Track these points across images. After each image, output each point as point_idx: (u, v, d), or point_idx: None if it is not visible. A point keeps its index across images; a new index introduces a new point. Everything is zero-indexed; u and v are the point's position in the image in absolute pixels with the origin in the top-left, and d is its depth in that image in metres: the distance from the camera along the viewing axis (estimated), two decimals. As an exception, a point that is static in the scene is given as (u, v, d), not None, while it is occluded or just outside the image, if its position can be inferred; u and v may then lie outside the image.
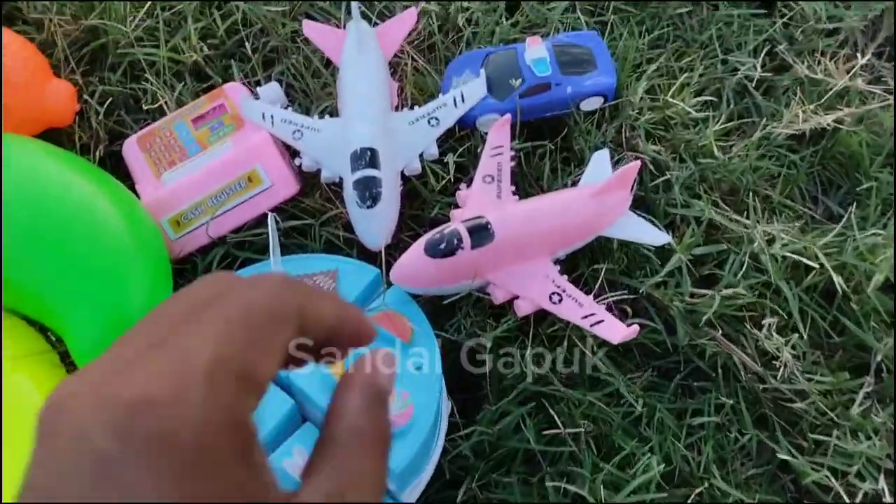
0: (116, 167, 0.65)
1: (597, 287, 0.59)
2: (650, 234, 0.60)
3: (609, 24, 0.69)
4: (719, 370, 0.59)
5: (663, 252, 0.62)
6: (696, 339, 0.59)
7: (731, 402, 0.58)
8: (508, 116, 0.58)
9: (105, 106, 0.65)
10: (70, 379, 0.18)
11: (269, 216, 0.56)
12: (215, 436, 0.17)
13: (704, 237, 0.62)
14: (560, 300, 0.54)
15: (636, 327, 0.53)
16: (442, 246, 0.52)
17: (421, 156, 0.62)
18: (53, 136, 0.65)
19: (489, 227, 0.53)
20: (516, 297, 0.56)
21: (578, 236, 0.57)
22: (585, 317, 0.54)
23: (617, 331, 0.53)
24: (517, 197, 0.59)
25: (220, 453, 0.17)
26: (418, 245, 0.53)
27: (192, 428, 0.17)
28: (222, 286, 0.21)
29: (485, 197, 0.57)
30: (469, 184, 0.59)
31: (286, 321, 0.20)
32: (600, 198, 0.56)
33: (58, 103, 0.62)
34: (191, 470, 0.17)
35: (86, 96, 0.65)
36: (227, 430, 0.17)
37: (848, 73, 0.68)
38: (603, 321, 0.54)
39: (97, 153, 0.64)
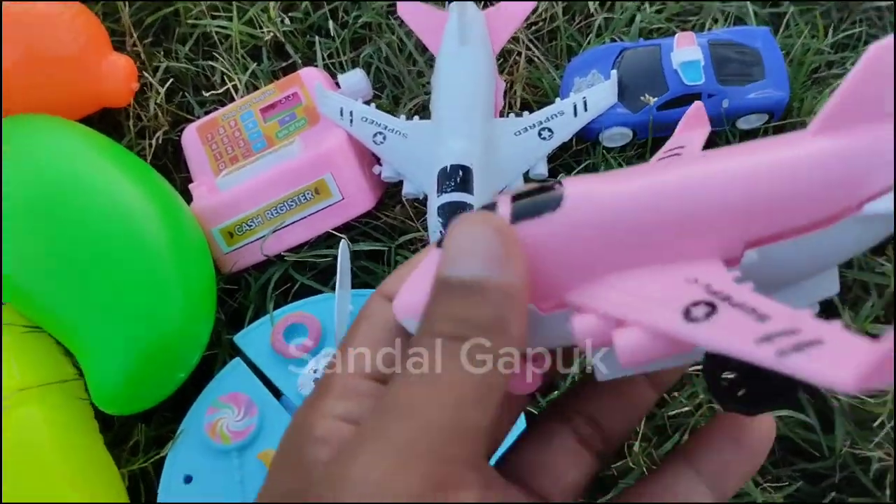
0: (176, 157, 0.57)
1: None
2: None
3: (785, 18, 0.54)
4: (887, 488, 0.45)
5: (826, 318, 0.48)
6: (861, 444, 0.45)
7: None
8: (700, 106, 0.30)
9: (167, 86, 0.56)
10: None
11: (341, 244, 0.46)
12: None
13: (886, 309, 0.47)
14: (710, 312, 0.19)
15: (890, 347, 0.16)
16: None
17: (526, 174, 0.50)
18: (109, 117, 0.57)
19: (555, 188, 0.22)
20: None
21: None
22: (767, 338, 0.17)
23: (849, 360, 0.15)
24: None
25: None
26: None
27: None
28: None
29: None
30: None
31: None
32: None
33: (114, 81, 0.54)
34: None
35: (146, 74, 0.57)
36: None
37: None
38: (816, 343, 0.17)
39: (155, 140, 0.55)
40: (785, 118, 0.51)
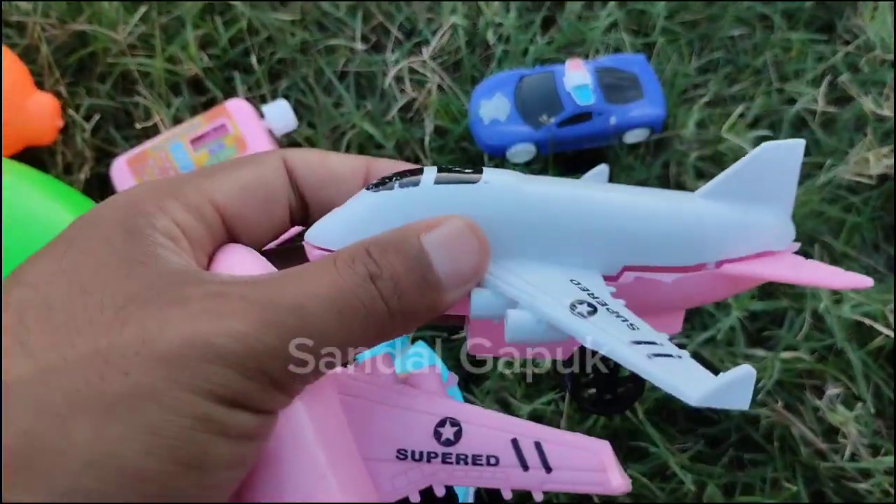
0: (103, 190, 0.58)
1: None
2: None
3: (655, 47, 0.62)
4: (775, 442, 0.52)
5: (715, 304, 0.55)
6: (750, 406, 0.52)
7: (786, 474, 0.52)
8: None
9: (93, 122, 0.58)
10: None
11: None
12: None
13: (760, 291, 0.55)
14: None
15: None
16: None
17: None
18: (34, 155, 0.58)
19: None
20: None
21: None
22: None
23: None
24: None
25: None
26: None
27: None
28: None
29: None
30: None
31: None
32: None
33: (39, 119, 0.55)
34: None
35: (71, 111, 0.58)
36: None
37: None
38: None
39: (82, 175, 0.57)
40: (664, 132, 0.59)
